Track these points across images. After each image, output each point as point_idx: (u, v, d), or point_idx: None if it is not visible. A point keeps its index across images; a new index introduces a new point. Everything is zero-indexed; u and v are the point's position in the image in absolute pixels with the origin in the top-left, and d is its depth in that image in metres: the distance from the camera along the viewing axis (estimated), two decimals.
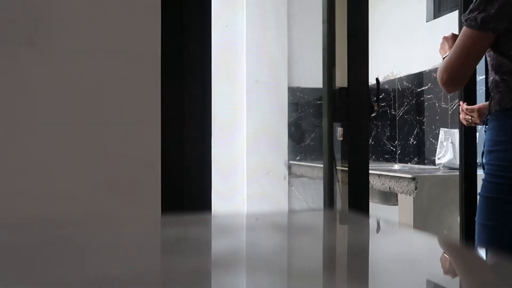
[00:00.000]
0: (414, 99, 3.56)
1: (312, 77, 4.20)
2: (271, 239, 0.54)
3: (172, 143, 1.41)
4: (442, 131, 3.08)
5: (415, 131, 3.55)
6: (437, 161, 3.09)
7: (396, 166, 3.48)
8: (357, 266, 0.46)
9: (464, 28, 1.41)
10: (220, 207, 3.79)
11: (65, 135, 1.27)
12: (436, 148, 3.14)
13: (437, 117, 3.30)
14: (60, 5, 1.28)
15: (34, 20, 1.25)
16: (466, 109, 1.80)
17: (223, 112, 3.98)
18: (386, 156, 3.92)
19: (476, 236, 1.44)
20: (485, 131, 1.48)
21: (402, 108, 3.72)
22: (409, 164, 3.56)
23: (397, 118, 3.78)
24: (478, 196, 1.44)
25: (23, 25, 1.24)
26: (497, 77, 1.40)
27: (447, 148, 2.99)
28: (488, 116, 1.43)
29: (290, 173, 4.14)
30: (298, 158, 4.18)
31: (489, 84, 1.45)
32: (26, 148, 1.25)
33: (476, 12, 1.37)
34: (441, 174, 2.76)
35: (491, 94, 1.43)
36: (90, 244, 0.49)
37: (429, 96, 3.38)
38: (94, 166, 1.29)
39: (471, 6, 1.41)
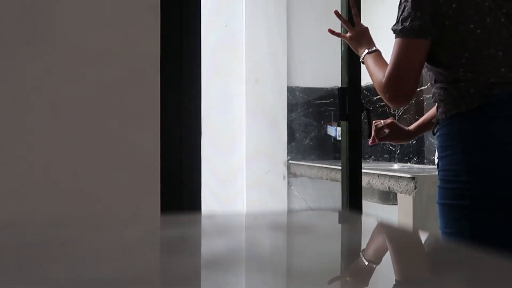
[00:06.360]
0: (414, 99, 3.57)
1: (311, 77, 4.21)
2: (270, 239, 0.54)
3: (172, 143, 1.41)
4: None
5: None
6: (436, 161, 3.09)
7: (396, 166, 3.48)
8: (355, 265, 0.46)
9: (399, 40, 1.33)
10: (219, 207, 3.79)
11: (64, 135, 1.27)
12: (436, 148, 3.15)
13: None
14: (60, 5, 1.28)
15: (34, 20, 1.25)
16: (376, 125, 1.77)
17: (223, 111, 3.99)
18: (386, 155, 3.92)
19: None
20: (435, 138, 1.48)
21: (401, 108, 3.72)
22: (408, 164, 3.57)
23: (397, 117, 3.78)
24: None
25: (23, 25, 1.24)
26: (437, 88, 1.36)
27: None
28: (437, 125, 1.41)
29: (289, 173, 4.15)
30: (297, 158, 4.19)
31: (432, 96, 1.41)
32: (26, 148, 1.25)
33: (409, 21, 1.30)
34: None
35: (436, 104, 1.39)
36: (89, 244, 0.50)
37: (428, 96, 3.38)
38: (94, 166, 1.29)
39: (399, 17, 1.35)
